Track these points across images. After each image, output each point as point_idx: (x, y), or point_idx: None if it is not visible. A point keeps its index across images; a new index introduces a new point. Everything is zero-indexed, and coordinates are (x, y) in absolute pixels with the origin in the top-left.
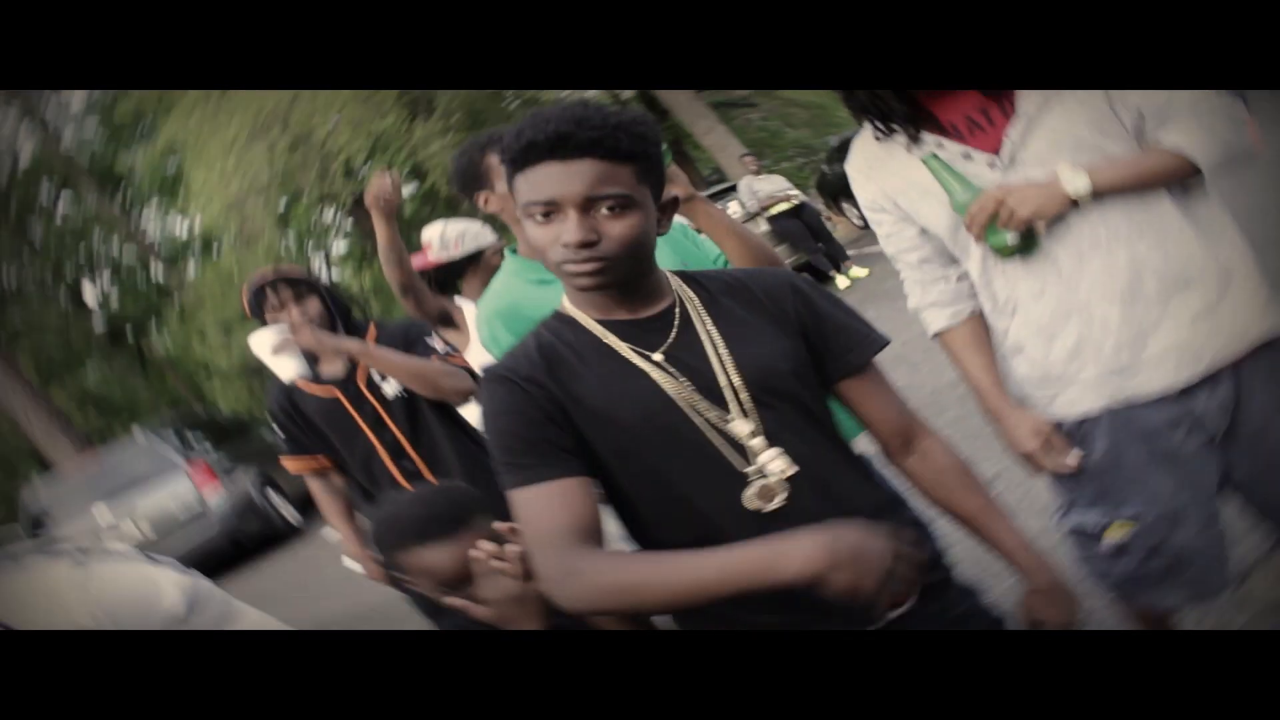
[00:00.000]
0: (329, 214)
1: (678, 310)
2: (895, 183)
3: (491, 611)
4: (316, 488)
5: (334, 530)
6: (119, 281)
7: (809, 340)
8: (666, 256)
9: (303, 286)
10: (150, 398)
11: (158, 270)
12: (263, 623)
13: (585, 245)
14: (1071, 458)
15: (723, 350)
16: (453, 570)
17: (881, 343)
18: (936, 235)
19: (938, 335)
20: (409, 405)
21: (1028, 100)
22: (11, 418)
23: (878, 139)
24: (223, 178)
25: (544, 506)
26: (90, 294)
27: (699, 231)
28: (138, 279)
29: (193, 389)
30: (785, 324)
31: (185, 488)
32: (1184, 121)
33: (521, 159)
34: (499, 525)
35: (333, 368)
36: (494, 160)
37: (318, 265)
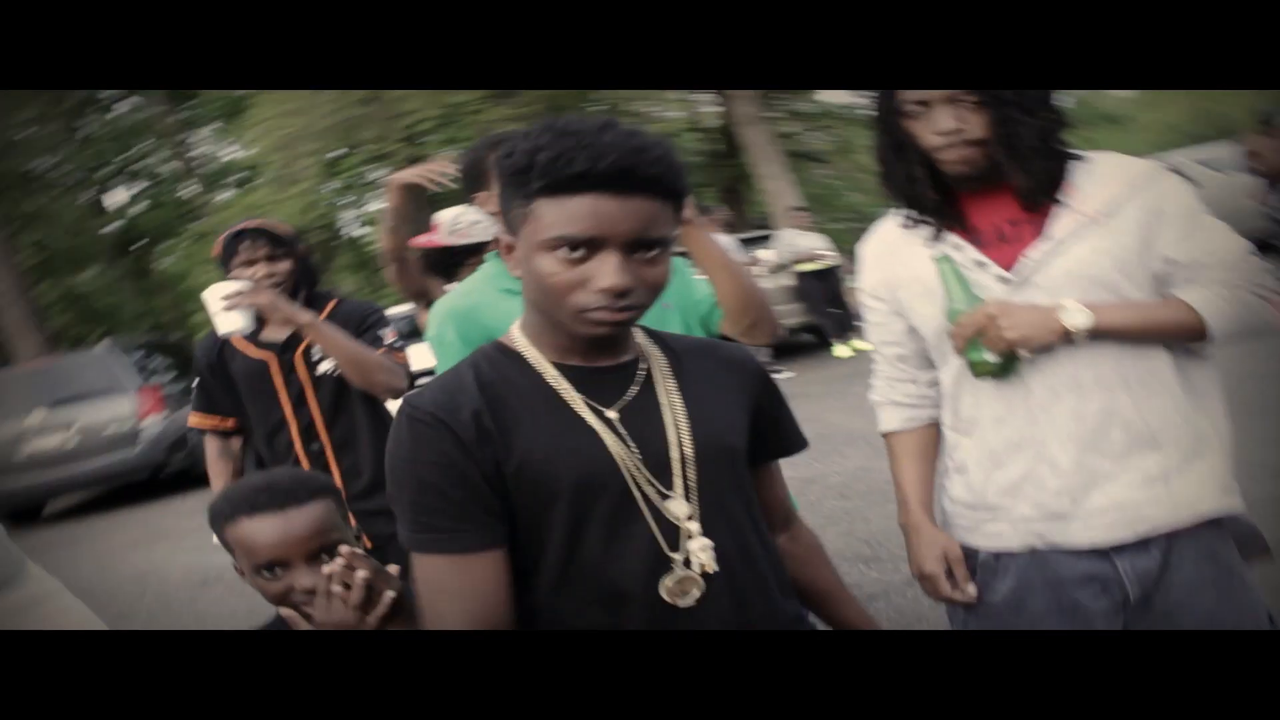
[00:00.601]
0: (377, 173)
1: (641, 368)
2: (902, 274)
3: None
4: (213, 448)
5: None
6: (150, 193)
7: (755, 423)
8: None
9: (282, 246)
10: (134, 315)
11: (189, 189)
12: (51, 599)
13: (623, 294)
14: (969, 591)
15: (681, 420)
16: (272, 548)
17: (805, 444)
18: (923, 336)
19: (887, 434)
20: (337, 387)
21: (1060, 224)
22: None
23: (903, 227)
24: (283, 114)
25: (459, 583)
26: (117, 197)
27: (683, 255)
28: (167, 194)
29: (180, 315)
30: (743, 400)
31: (127, 410)
32: (1212, 282)
33: (564, 185)
34: (344, 550)
35: (275, 333)
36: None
37: (349, 219)
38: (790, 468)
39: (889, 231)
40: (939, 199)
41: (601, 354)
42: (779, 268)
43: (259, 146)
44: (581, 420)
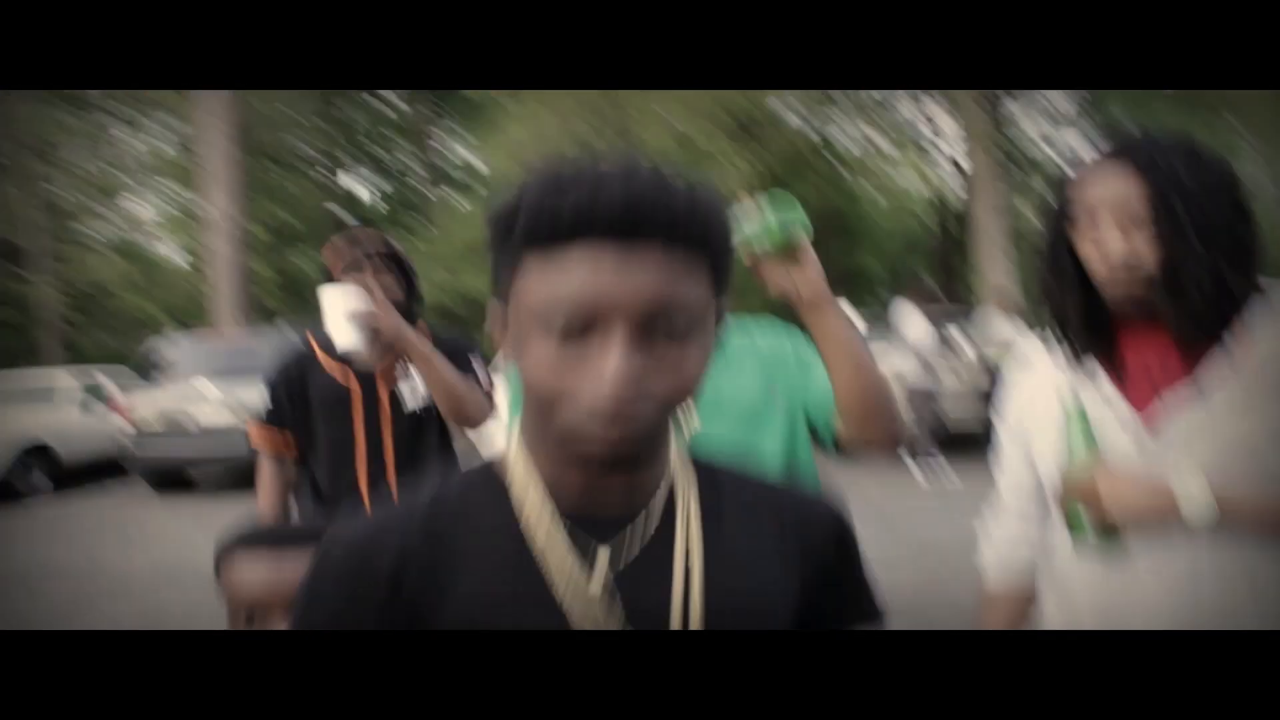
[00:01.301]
0: None
1: (660, 506)
2: (1036, 408)
3: None
4: (266, 468)
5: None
6: (385, 185)
7: (808, 588)
8: (750, 378)
9: (398, 265)
10: None
11: (420, 186)
12: None
13: (631, 392)
14: None
15: (696, 574)
16: (258, 591)
17: (878, 613)
18: (1039, 470)
19: (990, 596)
20: (416, 427)
21: (1213, 371)
22: (204, 267)
23: (1044, 345)
24: (530, 137)
25: None
26: (350, 184)
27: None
28: (399, 188)
29: None
30: (798, 565)
31: None
32: None
33: (552, 231)
34: None
35: (371, 356)
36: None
37: None
38: None
39: (1031, 355)
40: (1094, 331)
41: (612, 477)
42: (980, 358)
43: (497, 161)
44: (546, 586)
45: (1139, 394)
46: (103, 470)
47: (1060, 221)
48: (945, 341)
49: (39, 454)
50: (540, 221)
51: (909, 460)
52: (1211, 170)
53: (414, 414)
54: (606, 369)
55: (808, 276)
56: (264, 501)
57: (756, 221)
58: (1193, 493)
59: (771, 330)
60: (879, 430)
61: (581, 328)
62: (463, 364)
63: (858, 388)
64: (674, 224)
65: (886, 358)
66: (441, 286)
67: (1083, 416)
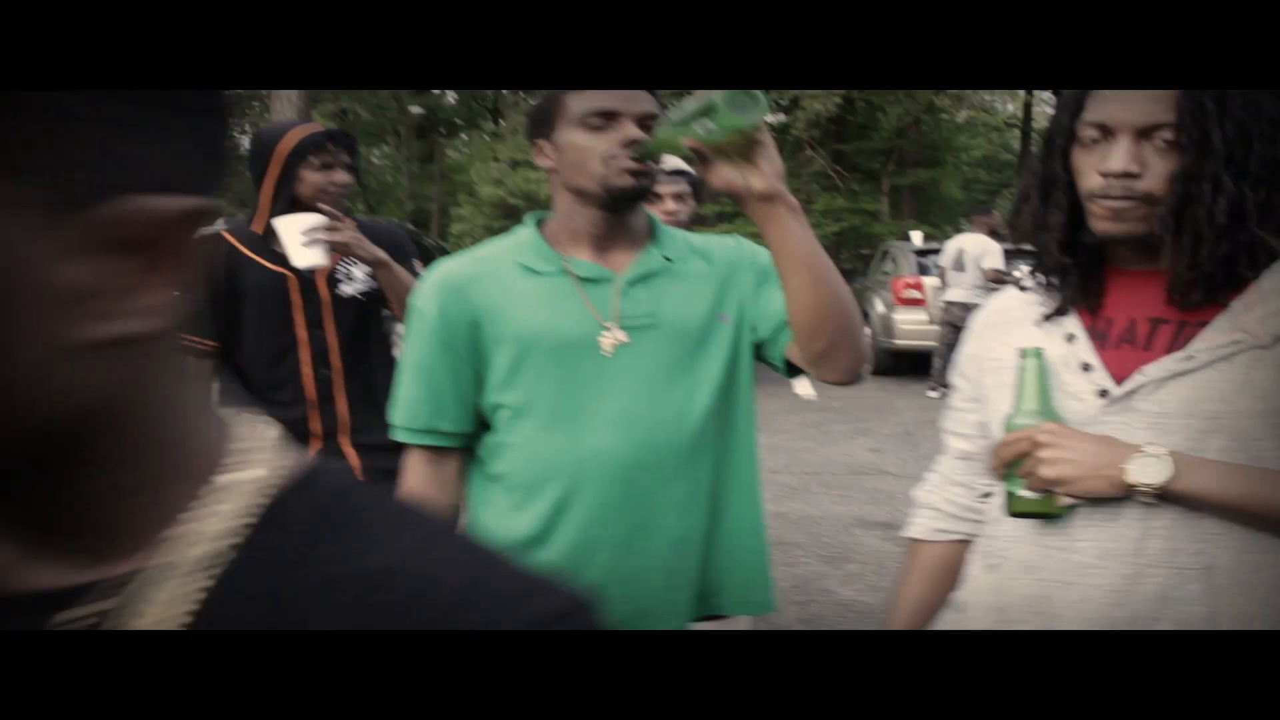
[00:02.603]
0: None
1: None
2: (996, 355)
3: None
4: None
5: None
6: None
7: None
8: (696, 302)
9: (355, 160)
10: (403, 198)
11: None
12: None
13: None
14: None
15: None
16: None
17: None
18: (991, 437)
19: (910, 540)
20: (360, 312)
21: (1208, 337)
22: None
23: (1022, 295)
24: None
25: None
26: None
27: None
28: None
29: (442, 207)
30: None
31: None
32: None
33: None
34: None
35: (323, 261)
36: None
37: None
38: None
39: (1006, 300)
40: (1070, 263)
41: None
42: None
43: None
44: None
45: (1118, 355)
46: None
47: (1063, 136)
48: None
49: None
50: None
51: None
52: (1270, 104)
53: (355, 299)
54: None
55: (760, 170)
56: None
57: (703, 106)
58: (1148, 455)
59: (734, 247)
60: (835, 351)
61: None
62: (403, 260)
63: (813, 301)
64: None
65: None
66: (503, 180)
67: (1040, 373)
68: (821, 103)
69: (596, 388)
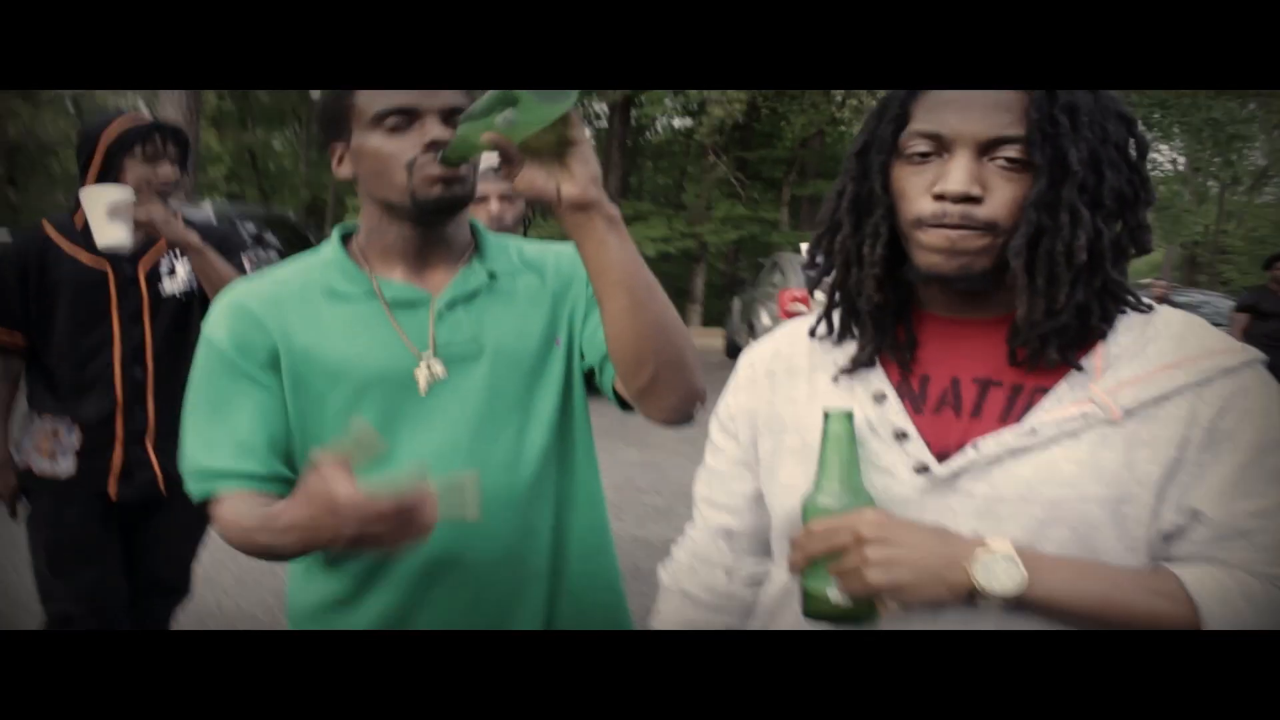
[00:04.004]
0: None
1: None
2: (778, 412)
3: None
4: None
5: None
6: None
7: None
8: (531, 323)
9: (186, 155)
10: (297, 186)
11: None
12: None
13: None
14: None
15: None
16: None
17: None
18: (771, 514)
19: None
20: (179, 311)
21: (1052, 408)
22: None
23: (813, 335)
24: None
25: None
26: None
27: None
28: None
29: (339, 199)
30: None
31: None
32: (1238, 564)
33: None
34: None
35: (127, 240)
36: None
37: None
38: None
39: (789, 343)
40: (884, 303)
41: None
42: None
43: None
44: None
45: (937, 423)
46: None
47: (883, 151)
48: None
49: None
50: None
51: None
52: (1123, 123)
53: (174, 298)
54: None
55: (573, 173)
56: None
57: (504, 96)
58: (997, 555)
59: (572, 256)
60: (659, 388)
61: None
62: (233, 256)
63: (632, 329)
64: None
65: None
66: None
67: (851, 438)
68: (725, 109)
69: (411, 429)
